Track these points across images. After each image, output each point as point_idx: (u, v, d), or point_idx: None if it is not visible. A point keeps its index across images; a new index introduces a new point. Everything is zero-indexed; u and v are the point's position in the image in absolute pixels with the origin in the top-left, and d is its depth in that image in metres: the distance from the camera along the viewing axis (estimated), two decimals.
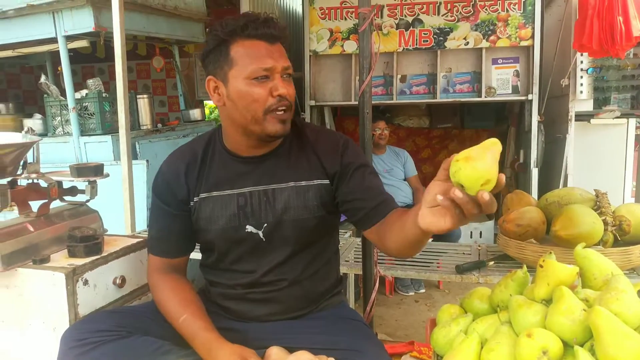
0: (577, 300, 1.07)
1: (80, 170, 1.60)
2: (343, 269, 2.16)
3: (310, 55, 4.08)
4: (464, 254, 2.30)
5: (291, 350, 1.25)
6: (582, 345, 1.01)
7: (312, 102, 4.16)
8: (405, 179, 3.72)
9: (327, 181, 1.34)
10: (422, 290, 3.56)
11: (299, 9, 4.89)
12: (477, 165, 0.89)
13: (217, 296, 1.42)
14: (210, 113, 9.18)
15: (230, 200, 1.32)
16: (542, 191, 3.54)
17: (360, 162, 1.35)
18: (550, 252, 1.23)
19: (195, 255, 2.33)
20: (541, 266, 1.14)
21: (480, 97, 3.81)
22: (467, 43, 3.79)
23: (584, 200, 1.89)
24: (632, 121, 3.85)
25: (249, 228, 1.32)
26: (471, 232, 4.00)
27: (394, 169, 3.69)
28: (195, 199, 1.34)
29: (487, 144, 0.92)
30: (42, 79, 3.04)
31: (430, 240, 3.30)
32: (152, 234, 1.42)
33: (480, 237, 3.96)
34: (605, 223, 1.79)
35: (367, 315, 1.67)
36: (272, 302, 1.37)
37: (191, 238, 1.42)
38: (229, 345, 1.23)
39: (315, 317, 1.40)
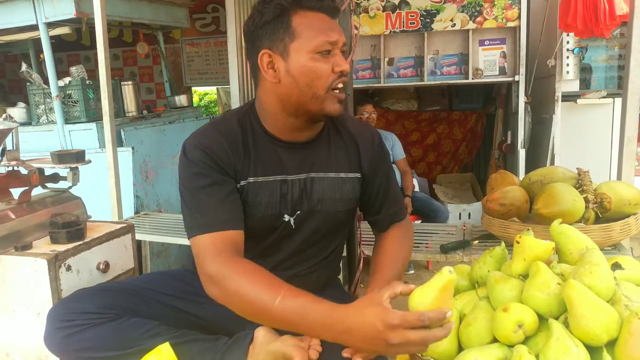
0: (553, 274, 1.08)
1: (62, 156, 1.59)
2: None
3: None
4: (450, 234, 2.32)
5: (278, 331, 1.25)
6: (556, 319, 1.03)
7: None
8: (393, 162, 3.73)
9: (359, 175, 1.34)
10: (411, 272, 3.59)
11: None
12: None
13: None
14: (200, 100, 9.11)
15: (274, 186, 1.26)
16: (529, 172, 3.57)
17: (389, 163, 1.41)
18: (528, 229, 1.24)
19: (177, 240, 2.35)
20: (518, 242, 1.15)
21: (468, 79, 3.81)
22: (454, 25, 3.77)
23: (566, 179, 1.91)
24: (619, 101, 3.87)
25: (286, 217, 1.29)
26: (460, 214, 4.03)
27: None
28: (243, 182, 1.24)
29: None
30: (23, 67, 3.00)
31: (419, 222, 3.33)
32: (201, 210, 1.18)
33: (469, 218, 4.00)
34: (586, 200, 1.81)
35: (351, 295, 1.68)
36: None
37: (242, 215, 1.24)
38: (354, 307, 0.98)
39: None
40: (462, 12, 3.75)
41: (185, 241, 2.35)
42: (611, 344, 0.96)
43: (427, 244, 2.18)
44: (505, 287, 1.11)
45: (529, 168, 3.74)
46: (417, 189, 3.76)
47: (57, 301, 1.39)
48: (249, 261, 1.14)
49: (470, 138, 4.88)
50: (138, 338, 1.23)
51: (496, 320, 1.05)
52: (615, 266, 1.16)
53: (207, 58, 5.44)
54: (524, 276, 1.14)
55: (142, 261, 2.74)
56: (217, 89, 7.05)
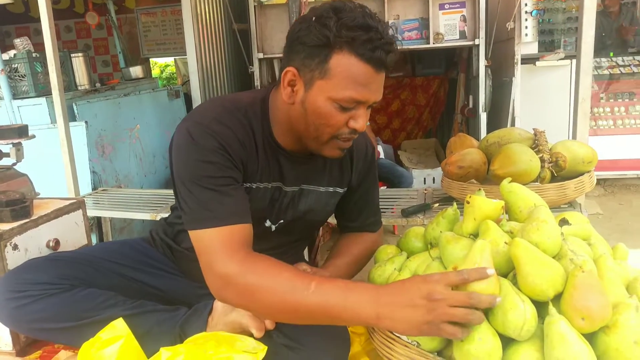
0: (502, 232, 1.09)
1: (3, 132, 1.52)
2: None
3: (255, 6, 3.94)
4: (412, 198, 2.34)
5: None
6: (505, 276, 1.05)
7: (260, 55, 4.05)
8: None
9: (344, 189, 1.37)
10: None
11: None
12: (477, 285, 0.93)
13: (174, 253, 1.37)
14: (161, 72, 8.83)
15: (265, 193, 1.24)
16: None
17: (375, 174, 1.41)
18: (480, 189, 1.25)
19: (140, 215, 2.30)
20: (468, 202, 1.16)
21: (429, 44, 3.79)
22: None
23: (522, 140, 1.93)
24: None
25: (267, 223, 1.28)
26: (424, 179, 4.07)
27: None
28: (246, 184, 1.20)
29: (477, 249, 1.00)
30: None
31: (384, 187, 3.35)
32: (215, 201, 1.10)
33: (434, 182, 4.05)
34: (542, 160, 1.83)
35: (311, 262, 1.68)
36: None
37: None
38: (394, 283, 0.99)
39: None
40: None
41: (147, 216, 2.32)
42: (557, 298, 0.98)
43: (392, 209, 2.19)
44: (457, 247, 1.11)
45: (491, 131, 3.78)
46: (382, 155, 3.78)
47: None
48: (266, 256, 1.08)
49: (434, 103, 4.90)
50: (93, 309, 1.20)
51: None
52: (563, 222, 1.18)
53: (164, 28, 5.27)
54: (475, 235, 1.15)
55: (103, 238, 2.69)
56: (175, 60, 6.86)
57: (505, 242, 1.05)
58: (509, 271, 1.06)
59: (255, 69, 4.08)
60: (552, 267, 0.99)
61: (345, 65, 1.04)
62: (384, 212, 2.17)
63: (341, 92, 1.05)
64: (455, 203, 1.30)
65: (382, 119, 4.92)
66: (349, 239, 1.44)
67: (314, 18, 1.06)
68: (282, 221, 1.29)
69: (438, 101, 4.88)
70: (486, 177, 1.97)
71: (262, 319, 1.16)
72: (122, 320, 1.18)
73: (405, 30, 3.86)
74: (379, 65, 1.05)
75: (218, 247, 1.06)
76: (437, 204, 2.04)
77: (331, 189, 1.33)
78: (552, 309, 0.93)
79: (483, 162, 1.95)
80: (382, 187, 3.38)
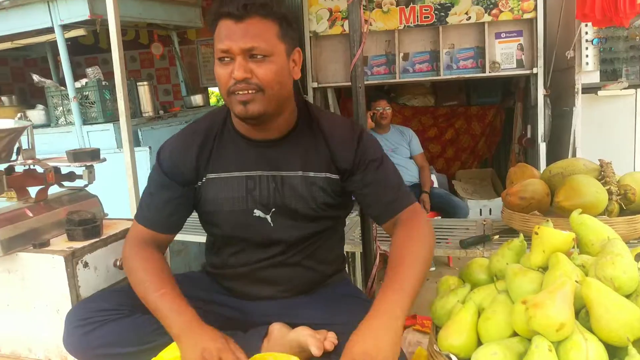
0: (573, 266, 1.05)
1: (77, 155, 1.60)
2: (347, 247, 2.16)
3: (310, 37, 4.04)
4: (470, 229, 2.29)
5: (292, 326, 1.26)
6: (578, 311, 1.00)
7: (315, 84, 4.13)
8: (411, 157, 3.70)
9: (336, 176, 1.31)
10: (432, 269, 3.54)
11: None
12: (549, 312, 0.91)
13: (221, 278, 1.42)
14: (217, 101, 9.15)
15: (238, 182, 1.30)
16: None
17: (375, 155, 1.32)
18: (547, 220, 1.21)
19: (197, 238, 2.35)
20: (536, 233, 1.12)
21: (485, 72, 3.75)
22: (469, 18, 3.72)
23: (587, 171, 1.87)
24: None
25: (257, 212, 1.30)
26: (480, 210, 3.97)
27: (399, 147, 3.66)
28: (203, 179, 1.31)
29: (558, 285, 0.94)
30: (35, 78, 3.06)
31: (438, 217, 3.30)
32: (145, 203, 1.36)
33: (490, 214, 3.94)
34: (609, 192, 1.76)
35: (368, 291, 1.66)
36: (276, 283, 1.37)
37: (184, 218, 1.39)
38: (208, 326, 1.18)
39: (318, 294, 1.40)
40: (477, 4, 3.69)
41: (203, 239, 2.37)
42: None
43: (447, 240, 2.15)
44: (525, 280, 1.08)
45: (550, 162, 3.65)
46: (435, 184, 3.73)
47: (75, 297, 1.41)
48: (159, 254, 1.32)
49: (489, 133, 4.81)
50: (153, 333, 1.25)
51: (516, 313, 1.02)
52: (639, 257, 1.12)
53: None
54: (544, 268, 1.11)
55: None
56: None
57: (576, 281, 1.00)
58: (582, 306, 1.01)
59: (310, 97, 4.16)
60: (629, 310, 0.93)
61: (217, 28, 1.19)
62: (439, 242, 2.13)
63: (216, 50, 1.19)
64: (521, 234, 1.26)
65: (436, 147, 4.86)
66: (393, 240, 1.28)
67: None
68: (273, 209, 1.30)
69: (494, 130, 4.78)
70: (549, 209, 1.91)
71: (321, 340, 1.17)
72: None
73: (461, 59, 3.85)
74: (232, 15, 1.16)
75: (130, 234, 1.36)
76: (498, 236, 1.98)
77: (311, 174, 1.29)
78: (632, 349, 0.88)
79: (546, 193, 1.89)
80: (436, 217, 3.32)
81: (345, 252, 1.55)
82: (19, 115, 1.81)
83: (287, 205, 1.30)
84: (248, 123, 1.25)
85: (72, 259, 1.41)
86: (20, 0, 2.71)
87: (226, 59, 1.18)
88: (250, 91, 1.17)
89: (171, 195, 1.32)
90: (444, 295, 1.26)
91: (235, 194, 1.29)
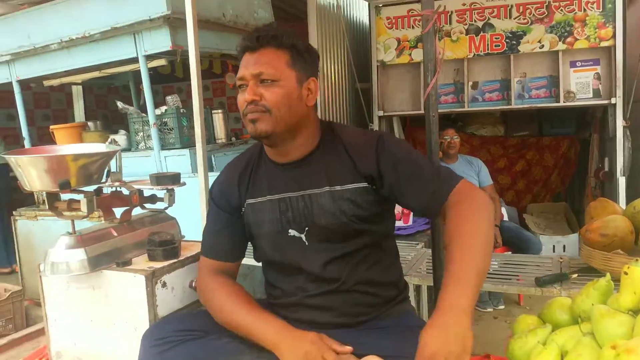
0: None
1: (159, 179, 1.68)
2: (414, 280, 2.11)
3: (377, 66, 4.08)
4: (544, 266, 2.19)
5: (359, 357, 1.24)
6: None
7: (381, 113, 4.16)
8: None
9: (364, 184, 1.30)
10: (502, 307, 3.40)
11: (366, 20, 4.92)
12: None
13: (278, 308, 1.42)
14: None
15: (272, 205, 1.36)
16: (631, 201, 3.32)
17: (401, 153, 1.30)
18: (637, 259, 1.14)
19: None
20: (626, 273, 1.06)
21: (559, 102, 3.64)
22: (542, 46, 3.64)
23: None
24: None
25: (292, 232, 1.34)
26: (554, 246, 3.80)
27: (467, 178, 3.55)
28: (245, 205, 1.40)
29: None
30: (119, 105, 3.27)
31: (508, 252, 3.18)
32: (206, 237, 1.46)
33: (564, 251, 3.75)
34: None
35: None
36: (327, 308, 1.35)
37: (243, 244, 1.46)
38: (297, 329, 1.23)
39: (379, 326, 1.36)
40: (551, 32, 3.61)
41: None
42: None
43: (517, 277, 2.06)
44: (613, 323, 1.02)
45: (630, 197, 3.47)
46: (505, 218, 3.60)
47: (152, 316, 1.46)
48: (232, 281, 1.42)
49: (563, 165, 4.62)
50: (225, 354, 1.27)
51: (604, 358, 0.97)
52: None
53: None
54: (635, 311, 1.04)
55: None
56: None
57: None
58: None
59: (375, 125, 4.18)
60: None
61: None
62: (510, 279, 2.05)
63: (236, 79, 1.32)
64: (608, 274, 1.19)
65: (506, 179, 4.72)
66: (446, 226, 1.22)
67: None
68: (307, 228, 1.32)
69: (568, 163, 4.59)
70: (634, 247, 1.80)
71: None
72: None
73: (533, 88, 3.75)
74: (249, 48, 1.29)
75: (200, 269, 1.46)
76: (576, 274, 1.88)
77: (338, 187, 1.30)
78: None
79: (630, 231, 1.79)
80: (506, 252, 3.20)
81: (407, 282, 1.51)
82: (109, 139, 1.95)
83: (316, 222, 1.31)
84: (265, 143, 1.36)
85: (152, 278, 1.47)
86: (109, 32, 2.92)
87: (243, 86, 1.29)
88: (256, 112, 1.26)
89: (225, 224, 1.42)
90: (522, 335, 1.21)
91: (271, 216, 1.36)
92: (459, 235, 1.15)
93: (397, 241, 1.53)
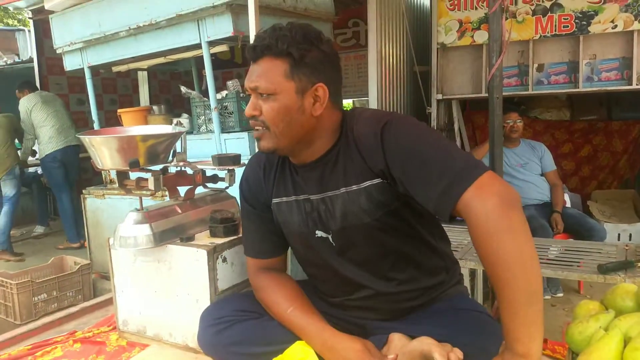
0: None
1: (221, 159, 1.74)
2: (469, 264, 2.07)
3: (437, 48, 4.00)
4: (608, 254, 2.11)
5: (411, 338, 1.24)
6: None
7: (439, 96, 4.08)
8: (542, 174, 3.48)
9: (377, 180, 1.20)
10: (560, 294, 3.29)
11: (426, 1, 4.82)
12: None
13: (323, 300, 1.43)
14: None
15: (298, 205, 1.33)
16: None
17: (407, 143, 1.14)
18: None
19: None
20: None
21: (631, 85, 3.44)
22: (615, 26, 3.44)
23: None
24: None
25: (319, 233, 1.31)
26: (619, 235, 3.63)
27: (529, 162, 3.46)
28: (273, 202, 1.37)
29: None
30: (183, 89, 3.38)
31: (571, 239, 3.06)
32: (245, 237, 1.46)
33: (630, 239, 3.58)
34: None
35: (494, 310, 1.60)
36: (371, 309, 1.35)
37: (282, 238, 1.42)
38: (344, 336, 1.25)
39: (436, 309, 1.33)
40: (626, 11, 3.41)
41: None
42: None
43: (578, 263, 2.00)
44: None
45: None
46: (568, 204, 3.47)
47: (213, 290, 1.54)
48: (281, 274, 1.42)
49: (633, 151, 4.38)
50: (279, 335, 1.32)
51: None
52: None
53: (346, 72, 5.60)
54: None
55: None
56: (353, 101, 7.26)
57: None
58: None
59: (433, 109, 4.12)
60: None
61: None
62: (570, 265, 1.99)
63: None
64: None
65: (570, 164, 4.53)
66: (473, 242, 1.05)
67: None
68: (333, 229, 1.28)
69: (638, 148, 4.35)
70: None
71: (447, 350, 1.13)
72: (304, 343, 1.27)
73: (603, 70, 3.57)
74: (252, 58, 1.23)
75: (249, 268, 1.46)
76: None
77: (354, 187, 1.22)
78: None
79: None
80: (569, 239, 3.09)
81: (457, 261, 1.44)
82: (175, 121, 2.04)
83: (340, 225, 1.27)
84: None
85: (213, 253, 1.54)
86: (174, 19, 3.01)
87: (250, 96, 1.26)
88: (258, 127, 1.25)
89: (259, 223, 1.41)
90: (582, 320, 1.18)
91: (298, 217, 1.33)
92: (497, 266, 0.99)
93: (451, 225, 1.49)
